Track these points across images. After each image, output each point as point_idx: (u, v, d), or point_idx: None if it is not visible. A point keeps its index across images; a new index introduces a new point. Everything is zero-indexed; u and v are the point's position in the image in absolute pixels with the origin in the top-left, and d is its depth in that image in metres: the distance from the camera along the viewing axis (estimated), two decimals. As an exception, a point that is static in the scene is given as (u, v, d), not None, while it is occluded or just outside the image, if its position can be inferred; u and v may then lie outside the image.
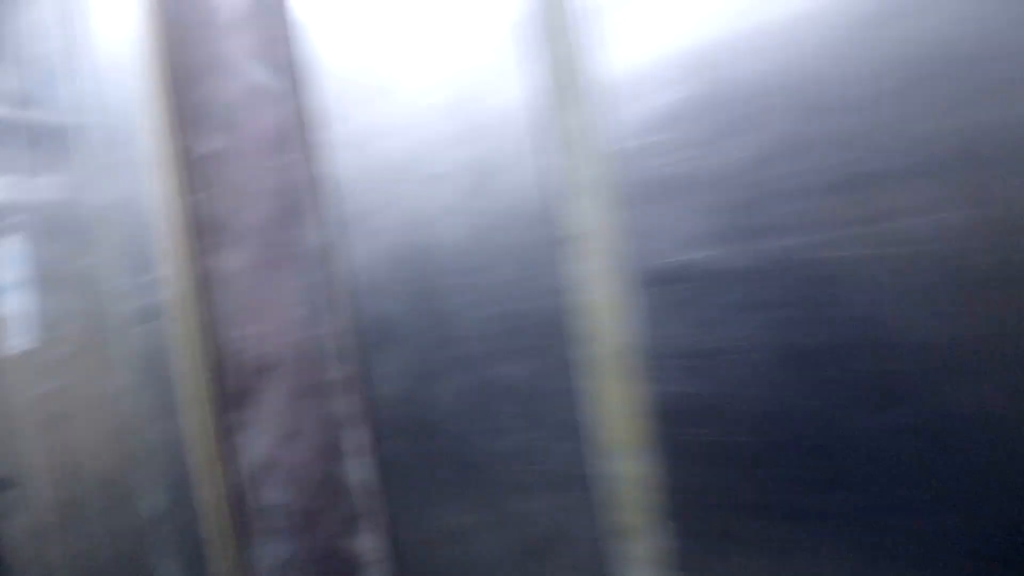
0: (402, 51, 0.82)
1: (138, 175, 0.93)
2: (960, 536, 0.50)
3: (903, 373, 0.52)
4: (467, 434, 0.85)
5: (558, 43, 0.68)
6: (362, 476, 0.95)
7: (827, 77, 0.54)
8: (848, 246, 0.54)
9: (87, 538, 1.42)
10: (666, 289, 0.64)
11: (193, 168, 0.90)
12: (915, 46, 0.50)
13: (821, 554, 0.57)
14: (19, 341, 1.68)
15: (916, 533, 0.52)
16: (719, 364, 0.62)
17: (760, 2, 0.56)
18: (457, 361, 0.83)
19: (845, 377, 0.55)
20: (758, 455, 0.60)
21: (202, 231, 0.89)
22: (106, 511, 1.41)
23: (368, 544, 0.95)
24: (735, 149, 0.58)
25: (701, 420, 0.64)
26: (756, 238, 0.58)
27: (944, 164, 0.49)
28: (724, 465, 0.63)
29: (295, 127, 0.90)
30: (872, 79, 0.52)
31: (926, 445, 0.52)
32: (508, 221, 0.75)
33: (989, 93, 0.47)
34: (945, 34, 0.49)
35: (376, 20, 0.84)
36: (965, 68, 0.48)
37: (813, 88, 0.54)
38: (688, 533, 0.66)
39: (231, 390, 0.91)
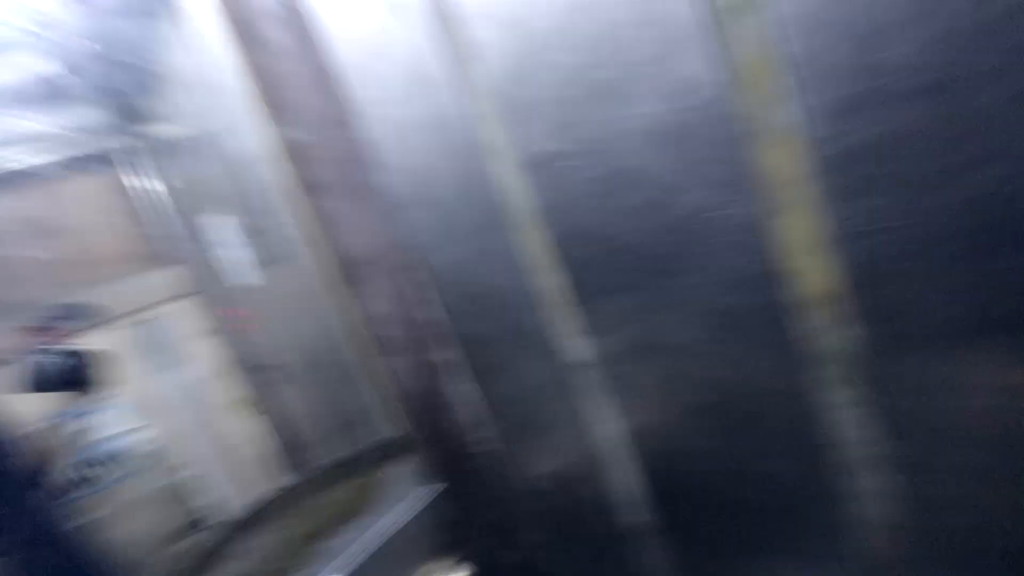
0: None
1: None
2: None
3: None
4: (472, 274, 1.38)
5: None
6: (431, 316, 1.55)
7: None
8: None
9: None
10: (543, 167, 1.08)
11: (292, 150, 1.50)
12: None
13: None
14: (249, 277, 2.61)
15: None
16: (569, 207, 1.05)
17: None
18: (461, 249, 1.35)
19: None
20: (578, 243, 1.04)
21: (309, 188, 1.50)
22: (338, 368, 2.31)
23: (442, 357, 1.58)
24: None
25: (585, 237, 1.09)
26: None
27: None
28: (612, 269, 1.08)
29: (342, 115, 1.44)
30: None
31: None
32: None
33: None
34: None
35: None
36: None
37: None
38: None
39: (352, 274, 1.56)
